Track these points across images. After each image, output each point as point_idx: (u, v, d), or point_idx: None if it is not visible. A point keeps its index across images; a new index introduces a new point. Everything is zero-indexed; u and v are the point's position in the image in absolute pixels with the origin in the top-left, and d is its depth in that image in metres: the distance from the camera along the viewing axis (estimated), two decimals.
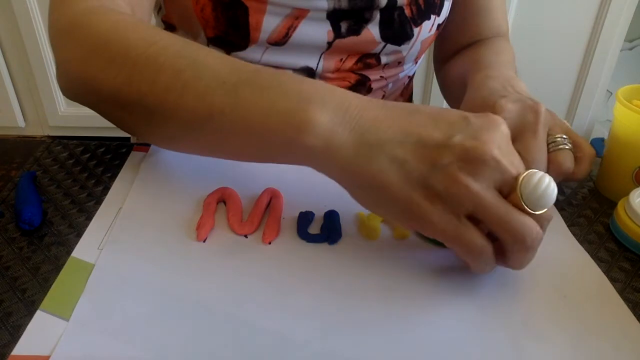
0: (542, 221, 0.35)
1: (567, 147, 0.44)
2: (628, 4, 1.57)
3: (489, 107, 0.45)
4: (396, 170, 0.34)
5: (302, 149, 0.36)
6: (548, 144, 0.45)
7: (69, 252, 0.39)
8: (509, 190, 0.34)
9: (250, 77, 0.38)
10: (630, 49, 1.91)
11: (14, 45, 1.71)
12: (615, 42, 1.64)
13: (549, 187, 0.34)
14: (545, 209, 0.34)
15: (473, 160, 0.33)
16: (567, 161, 0.44)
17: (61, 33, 0.45)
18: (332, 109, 0.35)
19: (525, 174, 0.34)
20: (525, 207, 0.33)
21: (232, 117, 0.37)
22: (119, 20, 0.43)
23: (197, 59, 0.39)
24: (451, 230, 0.34)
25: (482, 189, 0.33)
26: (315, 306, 0.35)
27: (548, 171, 0.44)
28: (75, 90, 0.45)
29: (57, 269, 0.38)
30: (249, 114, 0.37)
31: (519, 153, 0.39)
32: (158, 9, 0.61)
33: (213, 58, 0.39)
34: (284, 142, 0.36)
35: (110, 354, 0.32)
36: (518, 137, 0.43)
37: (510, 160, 0.34)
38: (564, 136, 0.45)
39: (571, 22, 1.63)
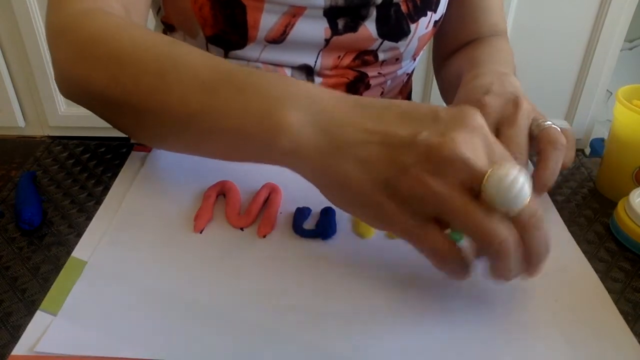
0: (522, 222, 0.32)
1: (553, 125, 0.44)
2: (628, 4, 1.57)
3: (472, 104, 0.44)
4: (362, 172, 0.33)
5: (275, 152, 0.36)
6: (532, 128, 0.44)
7: (69, 252, 0.39)
8: (477, 189, 0.31)
9: (227, 77, 0.38)
10: (630, 49, 1.91)
11: (14, 45, 1.71)
12: (615, 42, 1.64)
13: (516, 181, 0.30)
14: (518, 207, 0.31)
15: (438, 159, 0.31)
16: (558, 135, 0.43)
17: (55, 34, 0.46)
18: (304, 110, 0.35)
19: (490, 170, 0.31)
20: (495, 206, 0.31)
21: (211, 118, 0.38)
22: (108, 21, 0.44)
23: (180, 59, 0.40)
24: (415, 232, 0.33)
25: (446, 190, 0.31)
26: (306, 300, 0.36)
27: (543, 152, 0.42)
28: (68, 89, 0.46)
29: (57, 269, 0.38)
30: (226, 115, 0.37)
31: (504, 142, 0.39)
32: (157, 10, 0.61)
33: (194, 58, 0.40)
34: (258, 145, 0.37)
35: (96, 345, 0.32)
36: (499, 129, 0.44)
37: (480, 156, 0.32)
38: (548, 121, 0.44)
39: (571, 22, 1.63)
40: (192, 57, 0.40)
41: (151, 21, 0.64)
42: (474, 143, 0.32)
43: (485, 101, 0.45)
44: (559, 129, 0.44)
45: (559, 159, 0.42)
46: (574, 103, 1.77)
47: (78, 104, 0.46)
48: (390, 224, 0.34)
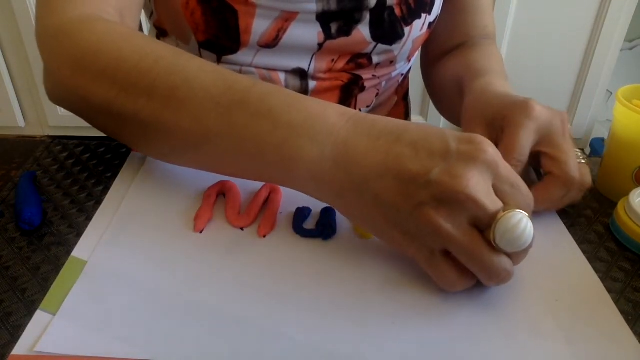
0: (517, 257, 0.35)
1: (583, 161, 0.45)
2: (628, 4, 1.57)
3: (519, 104, 0.45)
4: (377, 207, 0.35)
5: (293, 179, 0.38)
6: None
7: (69, 252, 0.39)
8: (484, 227, 0.34)
9: (242, 99, 0.38)
10: (630, 49, 1.91)
11: (14, 45, 1.71)
12: (615, 42, 1.64)
13: (526, 229, 0.33)
14: (522, 249, 0.34)
15: (447, 199, 0.33)
16: (586, 175, 0.44)
17: (50, 40, 0.45)
18: (320, 142, 0.36)
19: (503, 215, 0.33)
20: (501, 246, 0.33)
21: (227, 141, 0.38)
22: (109, 30, 0.43)
23: (190, 74, 0.39)
24: (426, 263, 0.36)
25: (453, 229, 0.33)
26: (306, 300, 0.36)
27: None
28: (62, 97, 0.45)
29: (57, 269, 0.38)
30: (243, 140, 0.38)
31: (549, 154, 0.42)
32: (150, 14, 0.61)
33: (205, 73, 0.39)
34: (276, 172, 0.38)
35: (96, 345, 0.32)
36: (546, 140, 0.44)
37: (491, 197, 0.33)
38: (579, 152, 0.45)
39: (571, 22, 1.63)
40: (202, 73, 0.40)
41: (145, 25, 0.65)
42: (485, 181, 0.33)
43: (535, 106, 0.44)
44: (588, 167, 0.45)
45: (569, 199, 0.44)
46: (574, 103, 1.77)
47: (69, 110, 0.46)
48: (403, 251, 0.36)
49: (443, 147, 0.34)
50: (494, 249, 0.34)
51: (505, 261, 0.34)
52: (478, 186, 0.32)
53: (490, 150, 0.34)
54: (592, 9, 1.61)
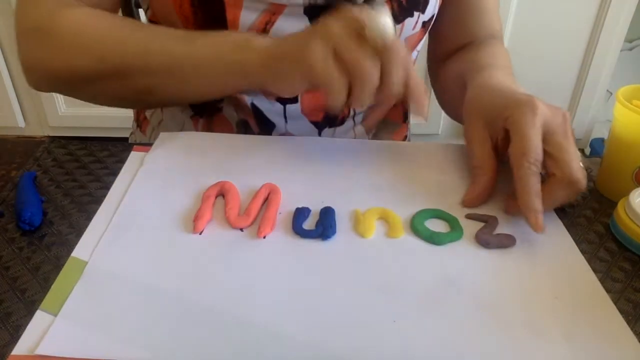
0: (386, 50, 0.42)
1: (581, 164, 0.44)
2: (628, 4, 1.57)
3: (523, 103, 0.44)
4: (292, 42, 0.45)
5: (248, 67, 0.47)
6: None
7: (69, 252, 0.39)
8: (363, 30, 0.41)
9: (202, 32, 0.50)
10: (630, 49, 1.91)
11: (14, 46, 1.70)
12: (615, 42, 1.64)
13: (387, 19, 0.42)
14: (388, 36, 0.42)
15: (341, 17, 0.43)
16: (583, 180, 0.43)
17: (28, 34, 0.52)
18: (267, 38, 0.48)
19: (368, 14, 0.42)
20: (372, 34, 0.41)
21: (192, 59, 0.49)
22: (79, 15, 0.51)
23: (154, 29, 0.51)
24: (322, 63, 0.42)
25: (342, 29, 0.42)
26: (306, 300, 0.36)
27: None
28: (49, 83, 0.54)
29: (57, 269, 0.38)
30: (205, 51, 0.48)
31: (552, 154, 0.42)
32: (146, 8, 0.61)
33: (169, 29, 0.51)
34: (234, 66, 0.48)
35: (96, 347, 0.32)
36: (548, 139, 0.43)
37: (363, 15, 0.42)
38: (578, 153, 0.45)
39: (571, 22, 1.63)
40: (168, 29, 0.51)
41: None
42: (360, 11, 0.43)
43: (537, 103, 0.44)
44: (584, 170, 0.44)
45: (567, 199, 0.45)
46: (574, 103, 1.77)
47: (54, 92, 0.55)
48: (306, 57, 0.43)
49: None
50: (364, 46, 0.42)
51: (370, 57, 0.42)
52: (357, 11, 0.42)
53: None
54: (592, 9, 1.61)
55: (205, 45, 0.49)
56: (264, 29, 0.55)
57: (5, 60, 1.73)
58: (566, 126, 0.44)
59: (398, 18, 0.58)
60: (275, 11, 0.54)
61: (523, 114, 0.43)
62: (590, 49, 1.67)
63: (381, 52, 0.42)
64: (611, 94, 1.90)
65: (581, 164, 0.44)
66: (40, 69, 0.53)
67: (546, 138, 0.43)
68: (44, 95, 1.79)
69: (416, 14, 0.59)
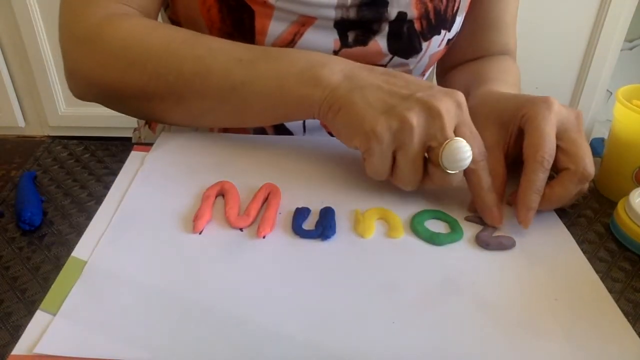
0: (448, 178, 0.42)
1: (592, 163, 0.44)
2: (628, 4, 1.57)
3: (539, 100, 0.44)
4: (365, 104, 0.42)
5: (313, 103, 0.45)
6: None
7: (69, 252, 0.39)
8: (435, 146, 0.41)
9: (262, 53, 0.47)
10: (630, 49, 1.91)
11: (14, 45, 1.71)
12: (615, 42, 1.64)
13: (467, 154, 0.40)
14: (456, 171, 0.41)
15: (423, 108, 0.41)
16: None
17: (78, 45, 0.50)
18: (333, 69, 0.45)
19: (452, 139, 0.40)
20: (442, 163, 0.41)
21: (252, 86, 0.46)
22: (134, 24, 0.49)
23: (213, 45, 0.48)
24: (377, 151, 0.42)
25: (416, 127, 0.40)
26: (305, 301, 0.36)
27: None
28: (93, 93, 0.51)
29: (57, 269, 0.38)
30: (267, 80, 0.46)
31: (565, 149, 0.43)
32: (166, 6, 0.61)
33: (225, 43, 0.48)
34: (298, 99, 0.45)
35: (96, 346, 0.32)
36: (562, 135, 0.43)
37: (451, 121, 0.41)
38: None
39: (571, 22, 1.63)
40: (224, 44, 0.48)
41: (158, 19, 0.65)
42: (453, 111, 0.41)
43: (553, 102, 0.44)
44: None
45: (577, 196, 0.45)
46: (574, 103, 1.77)
47: (98, 103, 0.52)
48: (371, 138, 0.41)
49: (429, 83, 0.44)
50: (431, 164, 0.42)
51: (418, 175, 0.42)
52: (448, 109, 0.41)
53: (462, 96, 0.42)
54: (592, 9, 1.61)
55: (268, 72, 0.46)
56: (292, 40, 0.54)
57: (5, 60, 1.73)
58: (579, 124, 0.44)
59: (426, 36, 0.58)
60: (305, 23, 0.53)
61: (539, 110, 0.43)
62: (590, 49, 1.67)
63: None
64: (611, 93, 1.90)
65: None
66: (88, 80, 0.51)
67: (560, 135, 0.43)
68: (44, 95, 1.79)
69: (443, 32, 0.59)
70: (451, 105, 0.41)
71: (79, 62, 0.50)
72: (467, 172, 0.43)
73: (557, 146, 0.43)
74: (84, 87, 0.51)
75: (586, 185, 0.44)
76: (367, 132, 0.41)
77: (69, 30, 0.50)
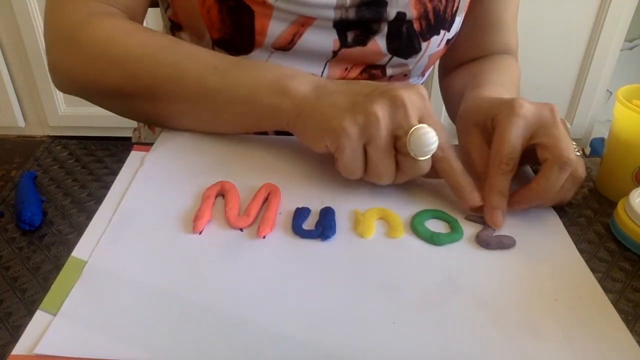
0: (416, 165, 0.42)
1: (578, 153, 0.44)
2: (628, 4, 1.57)
3: (505, 102, 0.45)
4: (331, 104, 0.43)
5: (281, 113, 0.46)
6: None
7: (69, 252, 0.39)
8: (401, 134, 0.41)
9: (237, 62, 0.49)
10: (630, 49, 1.91)
11: (14, 45, 1.71)
12: (615, 42, 1.64)
13: (433, 139, 0.41)
14: (424, 157, 0.42)
15: (388, 98, 0.41)
16: (580, 167, 0.44)
17: (60, 42, 0.51)
18: (302, 80, 0.46)
19: (418, 127, 0.41)
20: (410, 150, 0.41)
21: (225, 94, 0.47)
22: (116, 25, 0.50)
23: (191, 51, 0.49)
24: (348, 148, 0.42)
25: (382, 119, 0.41)
26: (305, 301, 0.36)
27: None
28: (74, 89, 0.53)
29: (57, 269, 0.38)
30: (238, 88, 0.47)
31: (543, 144, 0.42)
32: (166, 7, 0.61)
33: (203, 51, 0.50)
34: (267, 109, 0.46)
35: (96, 347, 0.32)
36: (538, 132, 0.43)
37: (415, 112, 0.42)
38: (574, 143, 0.45)
39: (571, 22, 1.63)
40: (201, 51, 0.49)
41: (159, 20, 0.65)
42: (417, 102, 0.42)
43: (522, 102, 0.44)
44: (582, 160, 0.45)
45: (565, 191, 0.44)
46: (574, 103, 1.77)
47: (81, 98, 0.53)
48: (340, 137, 0.42)
49: (391, 83, 0.45)
50: (399, 153, 0.42)
51: (392, 166, 0.43)
52: (410, 98, 0.42)
53: (423, 89, 0.44)
54: (592, 9, 1.61)
55: (240, 80, 0.47)
56: (292, 40, 0.54)
57: (5, 60, 1.73)
58: (554, 118, 0.44)
59: (425, 36, 0.58)
60: (304, 23, 0.54)
61: (504, 114, 0.44)
62: (590, 49, 1.67)
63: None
64: (611, 93, 1.90)
65: (578, 153, 0.44)
66: (69, 77, 0.52)
67: (535, 132, 0.43)
68: (44, 95, 1.79)
69: (442, 32, 0.59)
70: (413, 95, 0.42)
71: (59, 60, 0.52)
72: (437, 162, 0.44)
73: (536, 144, 0.43)
74: (66, 84, 0.53)
75: (580, 169, 0.43)
76: (335, 130, 0.42)
77: (51, 27, 0.52)
